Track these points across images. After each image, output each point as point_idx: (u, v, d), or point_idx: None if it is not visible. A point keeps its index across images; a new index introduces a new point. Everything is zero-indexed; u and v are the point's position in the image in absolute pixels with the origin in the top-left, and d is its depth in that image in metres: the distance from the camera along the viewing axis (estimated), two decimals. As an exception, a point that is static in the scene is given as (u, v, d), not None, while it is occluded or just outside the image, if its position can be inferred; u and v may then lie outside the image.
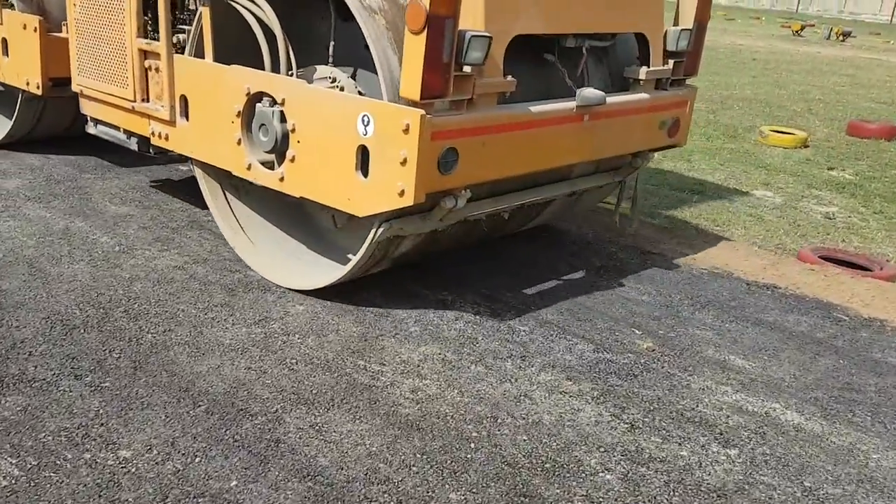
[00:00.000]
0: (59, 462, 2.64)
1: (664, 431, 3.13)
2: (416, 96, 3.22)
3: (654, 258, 5.03)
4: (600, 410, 3.23)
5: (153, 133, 4.49)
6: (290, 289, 4.06)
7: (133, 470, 2.63)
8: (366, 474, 2.72)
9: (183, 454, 2.73)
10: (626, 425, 3.15)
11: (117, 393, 3.05)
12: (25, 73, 5.30)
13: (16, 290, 3.78)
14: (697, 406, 3.33)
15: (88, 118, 5.04)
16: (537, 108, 3.79)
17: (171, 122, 4.33)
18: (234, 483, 2.61)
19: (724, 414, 3.29)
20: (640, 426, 3.15)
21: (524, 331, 3.84)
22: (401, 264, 4.20)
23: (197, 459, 2.71)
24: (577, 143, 4.08)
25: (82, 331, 3.48)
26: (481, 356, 3.57)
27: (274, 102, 3.76)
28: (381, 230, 3.59)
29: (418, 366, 3.44)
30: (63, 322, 3.53)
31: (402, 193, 3.33)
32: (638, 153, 4.66)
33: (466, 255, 4.72)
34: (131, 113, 4.58)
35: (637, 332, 3.96)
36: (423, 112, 3.23)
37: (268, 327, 3.66)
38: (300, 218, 4.42)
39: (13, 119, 5.73)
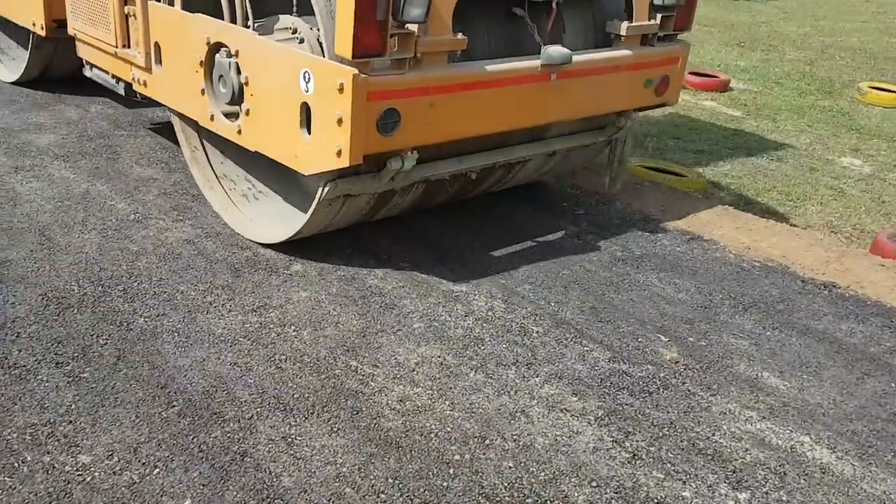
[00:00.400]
0: (17, 465, 2.58)
1: (669, 465, 2.84)
2: (349, 54, 3.12)
3: (704, 245, 4.62)
4: (601, 434, 2.96)
5: (134, 79, 4.52)
6: (254, 241, 4.11)
7: (88, 479, 2.54)
8: (329, 501, 2.55)
9: (143, 463, 2.62)
10: (627, 454, 2.87)
11: (94, 386, 2.97)
12: (32, 14, 5.41)
13: (20, 261, 3.74)
14: (713, 435, 3.02)
15: (84, 61, 5.10)
16: (494, 66, 3.65)
17: (148, 69, 4.35)
18: (188, 503, 2.49)
19: (743, 447, 2.97)
20: (643, 457, 2.87)
21: (537, 332, 3.57)
22: (367, 220, 4.19)
23: (156, 471, 2.60)
24: (545, 103, 3.93)
25: (75, 311, 3.41)
26: (484, 361, 3.33)
27: (230, 53, 3.72)
28: (327, 189, 3.54)
29: (413, 370, 3.24)
30: (59, 300, 3.47)
31: (339, 153, 3.29)
32: (622, 112, 4.48)
33: (491, 240, 4.43)
34: (115, 58, 4.62)
35: (663, 338, 3.63)
36: (356, 71, 3.14)
37: (265, 316, 3.51)
38: (278, 171, 4.18)
39: (27, 58, 5.97)
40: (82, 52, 5.04)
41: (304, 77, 3.33)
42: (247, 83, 3.66)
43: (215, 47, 3.82)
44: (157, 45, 4.22)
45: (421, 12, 3.19)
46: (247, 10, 3.76)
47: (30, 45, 5.87)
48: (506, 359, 3.36)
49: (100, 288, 3.60)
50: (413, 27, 3.27)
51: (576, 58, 3.89)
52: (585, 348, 3.49)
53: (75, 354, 3.14)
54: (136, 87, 4.55)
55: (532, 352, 3.43)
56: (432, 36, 3.37)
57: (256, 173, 4.43)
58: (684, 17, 4.40)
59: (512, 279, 4.03)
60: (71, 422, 2.78)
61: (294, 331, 3.43)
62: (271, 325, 3.45)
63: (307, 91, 3.33)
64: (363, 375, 3.17)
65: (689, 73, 9.33)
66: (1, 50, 6.53)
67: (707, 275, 4.28)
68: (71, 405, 2.86)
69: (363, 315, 3.59)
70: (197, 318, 3.45)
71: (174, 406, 2.90)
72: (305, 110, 3.39)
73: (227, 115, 3.89)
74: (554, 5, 3.92)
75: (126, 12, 4.39)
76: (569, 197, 5.21)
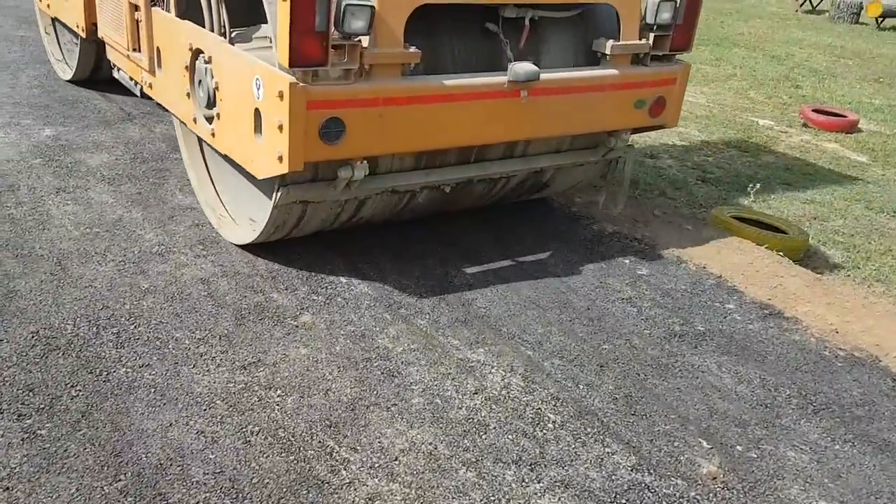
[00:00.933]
0: (-68, 536, 2.36)
1: None
2: (286, 63, 3.18)
3: (782, 324, 3.98)
4: (599, 569, 2.46)
5: (143, 81, 4.71)
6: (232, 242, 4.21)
7: (-2, 563, 2.29)
8: None
9: (62, 550, 2.35)
10: None
11: (47, 447, 2.74)
12: (76, 17, 5.70)
13: (26, 293, 3.60)
14: (740, 584, 2.45)
15: (111, 63, 5.36)
16: (452, 81, 3.63)
17: (152, 72, 4.52)
18: None
19: None
20: None
21: (553, 422, 3.09)
22: (340, 228, 4.19)
23: (72, 561, 2.32)
24: (515, 120, 3.87)
25: (60, 354, 3.21)
26: (481, 455, 2.89)
27: (206, 60, 3.84)
28: (280, 194, 3.59)
29: (396, 459, 2.83)
30: (48, 340, 3.29)
31: (280, 159, 3.34)
32: (613, 132, 4.39)
33: (529, 297, 3.97)
34: (129, 61, 4.83)
35: (705, 444, 3.06)
36: (293, 79, 3.20)
37: (253, 375, 3.20)
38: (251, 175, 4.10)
39: (77, 58, 6.37)
40: (109, 54, 5.31)
41: (256, 83, 3.41)
42: (217, 88, 3.77)
43: (196, 53, 3.94)
44: (158, 49, 4.40)
45: (363, 25, 3.22)
46: (223, 18, 3.79)
47: (79, 47, 6.24)
48: (508, 454, 2.90)
49: (94, 329, 3.40)
50: (358, 39, 3.28)
51: (549, 75, 3.86)
52: (607, 449, 2.97)
53: (41, 406, 2.93)
54: (144, 89, 4.74)
55: (541, 447, 2.95)
56: (382, 49, 3.40)
57: (241, 175, 4.28)
58: (682, 37, 4.26)
59: (540, 350, 3.55)
60: (7, 489, 2.55)
61: (279, 396, 3.10)
62: (256, 387, 3.13)
63: (258, 97, 3.41)
64: (337, 461, 2.79)
65: (813, 110, 8.47)
66: (66, 50, 6.80)
67: (778, 363, 3.64)
68: (15, 468, 2.64)
69: (360, 382, 3.22)
70: (181, 371, 3.18)
71: (120, 480, 2.62)
72: (257, 116, 3.45)
73: (207, 119, 3.97)
74: (526, 21, 3.89)
75: (136, 18, 4.57)
76: (632, 251, 4.66)
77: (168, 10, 4.20)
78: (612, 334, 3.76)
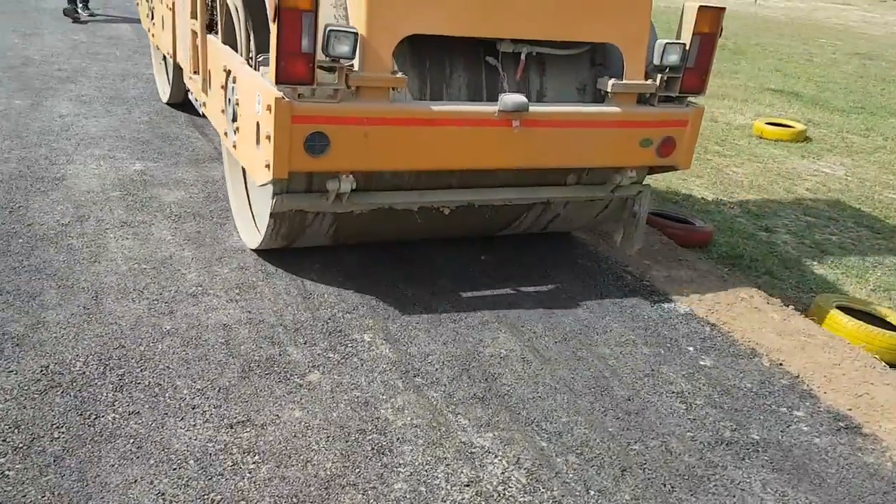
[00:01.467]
0: None
1: None
2: (274, 80, 3.48)
3: (857, 442, 3.39)
4: None
5: (201, 102, 5.10)
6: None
7: None
8: None
9: None
10: None
11: (8, 490, 2.67)
12: (167, 45, 6.12)
13: (52, 325, 3.63)
14: None
15: (186, 87, 5.89)
16: (440, 107, 3.84)
17: (205, 92, 4.92)
18: None
19: None
20: None
21: (543, 531, 2.70)
22: (338, 244, 4.48)
23: None
24: (506, 149, 4.00)
25: (58, 392, 3.18)
26: (448, 559, 2.55)
27: (233, 79, 4.19)
28: (274, 202, 3.89)
29: (353, 551, 2.55)
30: (53, 376, 3.27)
31: (267, 167, 3.64)
32: (619, 169, 4.44)
33: (566, 378, 3.59)
34: (193, 83, 5.28)
35: (719, 581, 2.57)
36: (280, 94, 3.51)
37: (237, 436, 3.03)
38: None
39: (171, 82, 7.05)
40: (185, 79, 5.76)
41: (258, 99, 3.69)
42: (238, 104, 4.11)
43: (228, 73, 4.29)
44: (209, 72, 4.79)
45: (347, 49, 3.48)
46: (251, 44, 4.13)
47: (172, 72, 6.83)
48: (479, 563, 2.55)
49: (101, 369, 3.35)
50: (345, 62, 3.56)
51: (541, 108, 4.01)
52: (597, 572, 2.55)
53: (20, 445, 2.88)
54: (201, 109, 5.22)
55: (520, 560, 2.57)
56: (368, 72, 3.65)
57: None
58: (693, 79, 4.28)
59: (558, 442, 3.17)
60: (-48, 529, 2.48)
61: (254, 463, 2.90)
62: (235, 450, 2.95)
63: (258, 111, 3.69)
64: (288, 545, 2.54)
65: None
66: (168, 75, 7.32)
67: (838, 489, 3.07)
68: (-32, 507, 2.57)
69: (345, 457, 2.97)
70: (167, 424, 3.06)
71: (60, 536, 2.49)
72: (258, 128, 3.73)
73: (233, 132, 4.31)
74: (522, 56, 4.08)
75: (195, 44, 5.00)
76: (701, 337, 4.17)
77: (217, 37, 4.73)
78: (648, 433, 3.31)
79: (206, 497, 2.72)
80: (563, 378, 3.64)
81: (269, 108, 3.52)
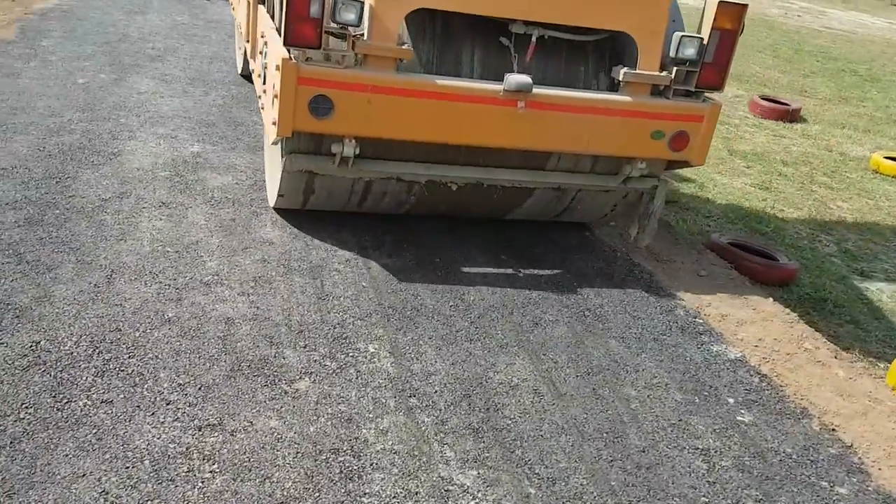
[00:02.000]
0: None
1: None
2: (283, 42, 3.68)
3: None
4: None
5: (253, 70, 5.22)
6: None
7: None
8: None
9: None
10: None
11: (-46, 467, 2.57)
12: (239, 14, 6.30)
13: (59, 300, 3.56)
14: None
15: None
16: (444, 81, 3.94)
17: (253, 58, 5.10)
18: None
19: None
20: None
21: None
22: (349, 210, 4.65)
23: None
24: (508, 128, 4.06)
25: (39, 371, 3.09)
26: None
27: (265, 44, 4.28)
28: (285, 161, 4.11)
29: (284, 586, 2.31)
30: (39, 354, 3.19)
31: (274, 124, 3.84)
32: (630, 160, 4.44)
33: (580, 421, 3.23)
34: (248, 51, 5.52)
35: None
36: (285, 55, 3.69)
37: (202, 440, 2.85)
38: None
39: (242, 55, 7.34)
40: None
41: (274, 62, 3.83)
42: (265, 67, 4.22)
43: (262, 38, 4.45)
44: (255, 39, 4.94)
45: (353, 17, 3.65)
46: (282, 7, 4.06)
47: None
48: None
49: (89, 351, 3.25)
50: (352, 30, 3.73)
51: (545, 91, 4.05)
52: None
53: (-17, 421, 2.78)
54: (253, 76, 5.29)
55: None
56: (375, 42, 3.79)
57: None
58: (711, 75, 4.24)
59: (549, 491, 2.83)
60: None
61: (210, 472, 2.71)
62: (194, 455, 2.77)
63: (274, 73, 3.84)
64: (216, 569, 2.33)
65: None
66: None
67: (870, 592, 2.59)
68: (-90, 482, 2.49)
69: (308, 478, 2.74)
70: (135, 417, 2.91)
71: (-12, 525, 2.37)
72: (273, 89, 3.87)
73: (263, 94, 4.43)
74: (533, 38, 4.12)
75: (248, 12, 5.22)
76: (747, 388, 3.71)
77: (264, 6, 4.86)
78: (656, 493, 2.92)
79: (148, 502, 2.54)
80: (573, 417, 3.29)
81: (277, 68, 3.72)
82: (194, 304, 3.69)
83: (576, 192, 4.64)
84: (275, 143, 4.06)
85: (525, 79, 3.90)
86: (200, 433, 2.88)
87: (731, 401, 3.60)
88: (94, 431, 2.81)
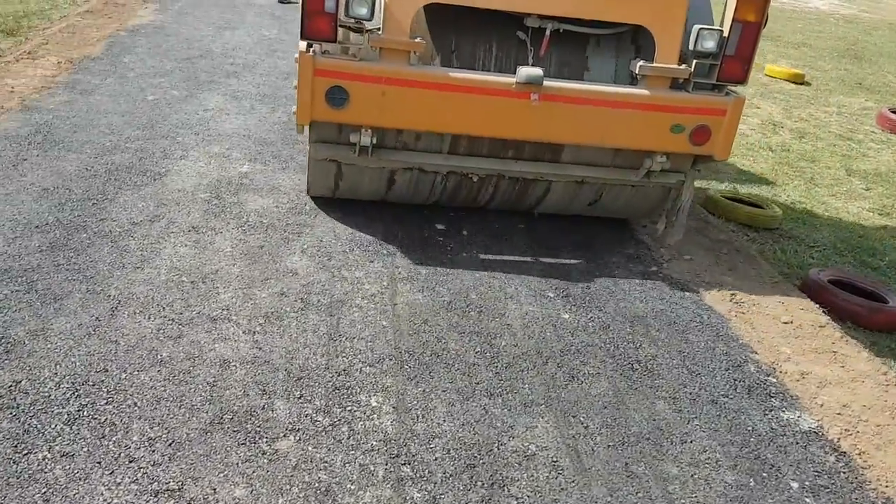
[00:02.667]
0: None
1: None
2: (301, 36, 3.89)
3: None
4: None
5: None
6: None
7: None
8: None
9: None
10: None
11: None
12: None
13: (55, 335, 3.38)
14: None
15: None
16: (457, 74, 4.05)
17: None
18: None
19: None
20: None
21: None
22: (378, 198, 4.85)
23: None
24: (522, 120, 4.13)
25: (7, 415, 2.89)
26: None
27: None
28: (310, 149, 4.40)
29: None
30: (16, 395, 2.99)
31: (295, 114, 4.13)
32: (650, 154, 4.42)
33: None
34: None
35: None
36: (303, 48, 3.93)
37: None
38: None
39: None
40: None
41: (295, 55, 4.04)
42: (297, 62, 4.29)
43: None
44: None
45: (365, 11, 3.83)
46: None
47: None
48: None
49: (69, 395, 3.03)
50: (366, 24, 3.91)
51: (556, 83, 4.10)
52: None
53: (-67, 472, 2.59)
54: None
55: None
56: (389, 36, 3.98)
57: None
58: (734, 68, 4.18)
59: None
60: None
61: (152, 549, 2.39)
62: (142, 527, 2.46)
63: (295, 66, 4.04)
64: None
65: None
66: None
67: None
68: None
69: (259, 565, 2.37)
70: (91, 476, 2.65)
71: None
72: (294, 80, 4.10)
73: None
74: (547, 32, 4.21)
75: None
76: (814, 468, 3.08)
77: None
78: None
79: (73, 584, 2.25)
80: (594, 501, 2.78)
81: (296, 60, 3.95)
82: (193, 343, 3.42)
83: (601, 185, 4.64)
84: (299, 132, 4.37)
85: (536, 71, 3.96)
86: (156, 499, 2.58)
87: (794, 485, 2.99)
88: (43, 492, 2.56)
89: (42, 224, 4.28)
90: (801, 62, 14.14)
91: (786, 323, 4.25)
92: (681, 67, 4.19)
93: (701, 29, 4.07)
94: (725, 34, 4.09)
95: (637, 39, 4.39)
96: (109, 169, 5.13)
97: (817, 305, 4.52)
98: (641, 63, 4.18)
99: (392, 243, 4.57)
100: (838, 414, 3.47)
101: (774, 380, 3.69)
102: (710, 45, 4.09)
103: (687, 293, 4.45)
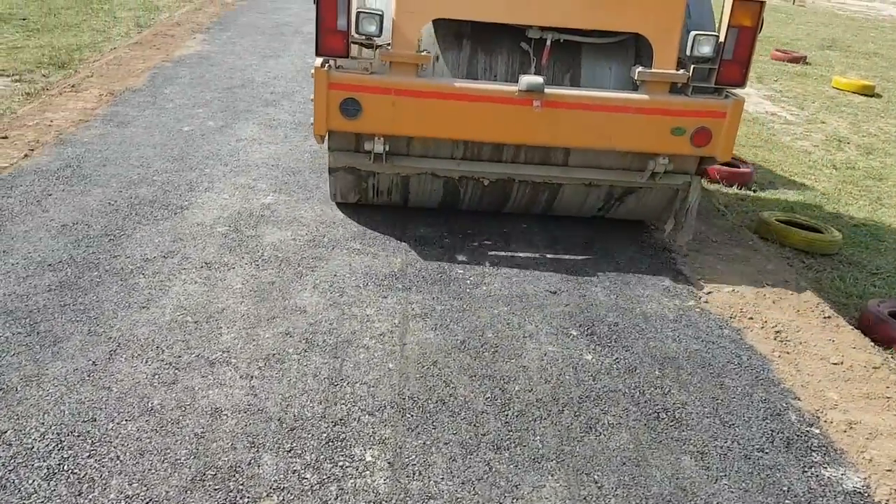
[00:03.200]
0: None
1: None
2: (317, 53, 4.19)
3: None
4: None
5: None
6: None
7: None
8: None
9: None
10: None
11: None
12: None
13: (47, 382, 3.28)
14: None
15: None
16: (462, 83, 4.31)
17: None
18: None
19: None
20: None
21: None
22: (400, 204, 5.11)
23: None
24: (527, 126, 4.34)
25: (7, 449, 2.78)
26: None
27: None
28: (329, 158, 4.72)
29: None
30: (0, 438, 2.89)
31: (312, 124, 4.38)
32: (654, 156, 4.57)
33: None
34: None
35: None
36: (318, 64, 4.22)
37: (119, 576, 2.37)
38: None
39: None
40: None
41: (311, 70, 4.33)
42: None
43: None
44: None
45: (374, 28, 4.10)
46: None
47: None
48: None
49: (51, 447, 2.91)
50: (376, 40, 4.20)
51: (558, 90, 4.32)
52: None
53: None
54: None
55: None
56: (397, 50, 4.23)
57: None
58: (732, 71, 4.33)
59: None
60: None
61: None
62: None
63: (312, 80, 4.34)
64: None
65: None
66: None
67: None
68: None
69: None
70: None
71: None
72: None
73: None
74: (548, 43, 4.43)
75: None
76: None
77: None
78: None
79: None
80: None
81: (312, 75, 4.22)
82: (186, 390, 3.28)
83: (609, 188, 4.84)
84: (318, 142, 4.62)
85: (537, 80, 4.19)
86: (120, 566, 2.42)
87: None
88: (5, 554, 2.43)
89: (55, 262, 4.23)
90: (872, 73, 13.46)
91: (835, 364, 3.87)
92: (679, 72, 4.35)
93: (697, 35, 4.21)
94: (722, 39, 4.24)
95: (637, 46, 4.56)
96: (132, 203, 5.09)
97: (872, 343, 4.12)
98: (640, 69, 4.35)
99: (409, 277, 4.38)
100: (888, 471, 3.09)
101: (817, 431, 3.33)
102: (706, 50, 4.25)
103: (726, 331, 4.11)
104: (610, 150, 4.57)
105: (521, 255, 4.81)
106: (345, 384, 3.39)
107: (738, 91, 4.48)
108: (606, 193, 4.92)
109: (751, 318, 4.27)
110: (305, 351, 3.61)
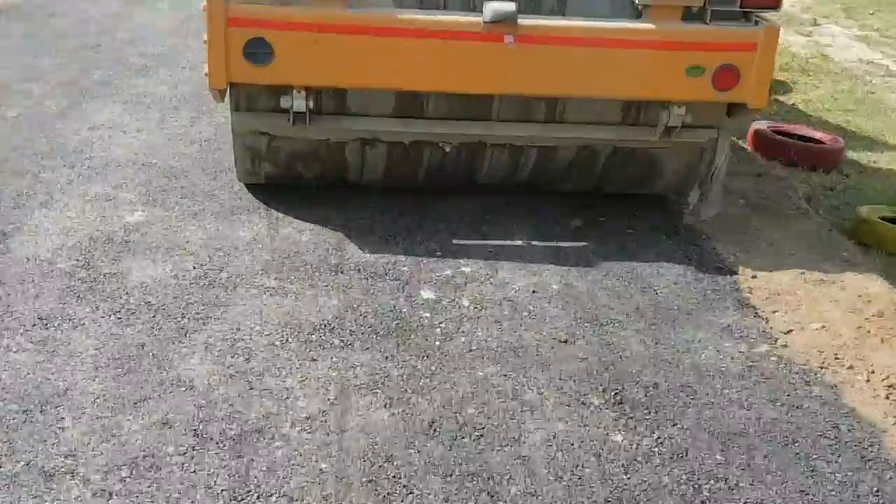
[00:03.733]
0: None
1: None
2: None
3: None
4: None
5: None
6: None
7: None
8: None
9: None
10: None
11: None
12: None
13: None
14: None
15: None
16: (409, 15, 4.53)
17: None
18: None
19: None
20: None
21: None
22: (351, 181, 5.39)
23: None
24: (497, 70, 4.63)
25: None
26: None
27: None
28: (233, 119, 4.96)
29: None
30: None
31: (206, 75, 4.60)
32: (666, 104, 4.85)
33: None
34: None
35: None
36: None
37: None
38: None
39: None
40: None
41: (202, 2, 4.45)
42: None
43: None
44: None
45: None
46: None
47: None
48: None
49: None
50: None
51: (536, 21, 4.56)
52: None
53: None
54: None
55: None
56: None
57: None
58: None
59: None
60: None
61: None
62: None
63: (203, 16, 4.47)
64: None
65: None
66: None
67: None
68: None
69: None
70: None
71: None
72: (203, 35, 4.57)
73: None
74: None
75: None
76: None
77: None
78: None
79: None
80: None
81: (204, 9, 4.29)
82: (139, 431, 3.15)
83: (611, 152, 5.08)
84: (217, 100, 4.83)
85: (508, 6, 4.35)
86: None
87: None
88: None
89: None
90: None
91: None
92: None
93: None
94: None
95: None
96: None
97: None
98: None
99: (349, 327, 4.37)
100: None
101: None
102: None
103: (816, 388, 4.11)
104: (608, 98, 4.80)
105: (517, 285, 4.83)
106: (254, 499, 3.26)
107: (771, 15, 4.68)
108: (607, 158, 5.17)
109: (851, 368, 4.29)
110: (195, 448, 3.53)
